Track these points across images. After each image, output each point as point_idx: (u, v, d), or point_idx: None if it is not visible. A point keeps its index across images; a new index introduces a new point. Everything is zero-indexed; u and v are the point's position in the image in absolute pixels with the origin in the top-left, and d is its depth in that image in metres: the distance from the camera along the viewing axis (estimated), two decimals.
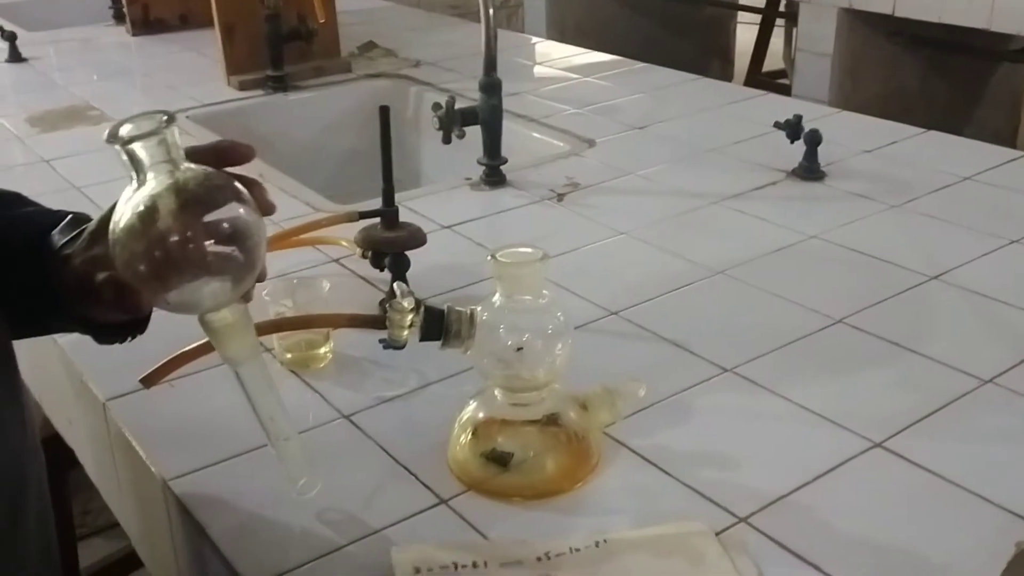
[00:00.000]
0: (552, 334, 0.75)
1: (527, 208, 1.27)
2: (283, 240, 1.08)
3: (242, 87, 1.78)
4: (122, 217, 0.62)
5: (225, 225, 0.62)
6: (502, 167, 1.33)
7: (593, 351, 0.94)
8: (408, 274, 1.01)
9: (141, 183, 0.62)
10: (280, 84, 1.77)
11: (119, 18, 2.29)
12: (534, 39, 2.24)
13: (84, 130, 1.60)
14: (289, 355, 0.92)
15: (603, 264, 1.12)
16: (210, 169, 0.64)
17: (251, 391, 0.66)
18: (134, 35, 2.19)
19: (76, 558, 1.56)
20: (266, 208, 0.66)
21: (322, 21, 1.72)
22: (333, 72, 1.85)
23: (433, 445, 0.80)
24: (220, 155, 0.67)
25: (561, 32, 3.63)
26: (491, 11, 1.26)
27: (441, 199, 1.31)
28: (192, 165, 0.63)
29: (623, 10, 3.83)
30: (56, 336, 0.96)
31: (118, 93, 1.80)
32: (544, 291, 0.76)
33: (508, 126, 1.57)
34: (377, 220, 1.01)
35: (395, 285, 0.74)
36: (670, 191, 1.31)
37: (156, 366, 0.79)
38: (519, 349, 0.74)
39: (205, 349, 0.77)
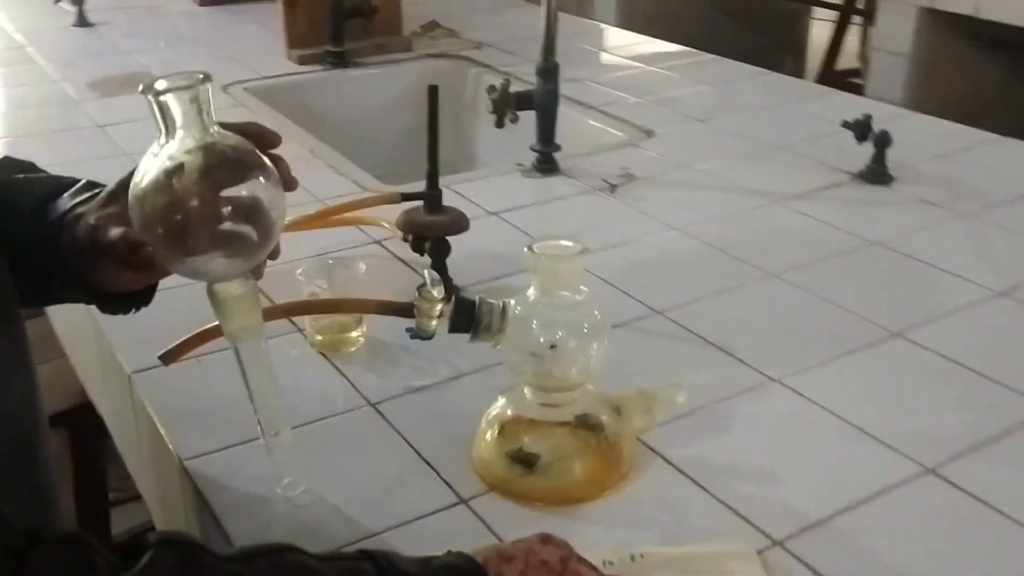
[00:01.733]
0: (588, 333, 0.71)
1: (578, 198, 1.24)
2: (324, 218, 1.06)
3: (301, 61, 1.76)
4: (147, 174, 0.61)
5: (246, 197, 0.62)
6: (555, 154, 1.30)
7: (632, 351, 0.90)
8: (448, 260, 0.98)
9: (169, 139, 0.61)
10: (339, 60, 1.75)
11: None
12: (601, 25, 2.19)
13: (141, 97, 1.59)
14: (320, 337, 0.90)
15: (652, 260, 1.08)
16: (240, 138, 0.63)
17: (249, 372, 0.65)
18: (201, 4, 2.20)
19: (108, 524, 1.57)
20: (288, 184, 0.66)
21: None
22: (393, 50, 1.83)
23: (458, 440, 0.77)
24: (248, 138, 0.65)
25: (630, 20, 3.56)
26: None
27: (490, 184, 1.28)
28: (223, 131, 0.63)
29: (694, 0, 3.75)
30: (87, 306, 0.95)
31: (179, 62, 1.80)
32: (582, 287, 0.72)
33: (565, 112, 1.53)
34: (420, 203, 0.98)
35: (425, 273, 0.71)
36: (728, 187, 1.26)
37: (176, 343, 0.78)
38: (552, 347, 0.71)
39: None
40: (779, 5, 3.81)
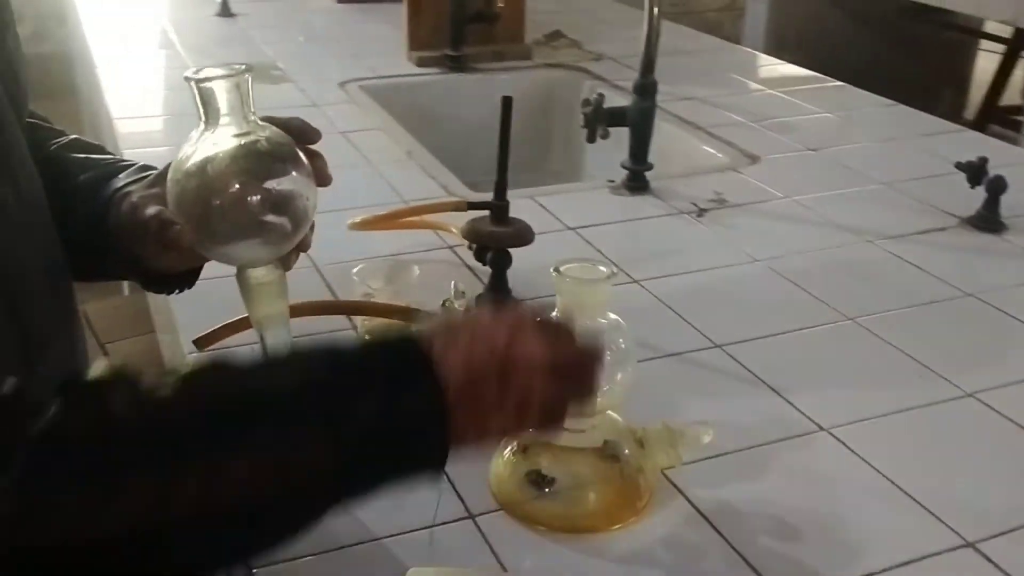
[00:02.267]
0: (610, 362, 0.69)
1: (662, 219, 1.21)
2: (392, 220, 1.07)
3: (420, 63, 1.79)
4: (184, 159, 0.64)
5: (277, 188, 0.64)
6: (648, 173, 1.27)
7: (680, 383, 0.87)
8: (509, 272, 0.97)
9: (209, 127, 0.64)
10: (457, 64, 1.77)
11: None
12: (730, 45, 2.13)
13: (260, 88, 1.65)
14: (368, 338, 0.91)
15: (723, 291, 1.05)
16: (277, 130, 0.66)
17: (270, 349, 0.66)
18: (339, 2, 2.26)
19: None
20: (322, 179, 0.68)
21: (501, 4, 1.70)
22: (512, 57, 1.84)
23: (479, 455, 0.76)
24: (290, 132, 0.67)
25: (780, 41, 3.47)
26: (656, 10, 1.20)
27: (576, 199, 1.26)
28: (262, 123, 0.65)
29: (851, 23, 3.61)
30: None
31: (304, 56, 1.86)
32: (609, 313, 0.70)
33: (670, 131, 1.51)
34: (487, 212, 0.98)
35: (452, 284, 0.71)
36: (823, 222, 1.21)
37: (211, 329, 0.80)
38: None
39: None
40: (945, 35, 3.64)
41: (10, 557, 0.47)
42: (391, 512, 0.71)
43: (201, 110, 0.64)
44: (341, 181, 1.25)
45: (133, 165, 0.75)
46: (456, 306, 0.70)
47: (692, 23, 3.69)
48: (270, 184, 0.64)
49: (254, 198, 0.63)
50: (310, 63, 1.81)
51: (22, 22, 2.49)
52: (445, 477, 0.74)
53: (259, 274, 0.66)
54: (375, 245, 1.07)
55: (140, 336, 1.46)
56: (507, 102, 0.94)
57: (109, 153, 0.80)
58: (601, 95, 1.24)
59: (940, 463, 0.78)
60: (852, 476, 0.76)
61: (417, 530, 0.70)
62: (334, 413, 0.53)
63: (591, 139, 1.24)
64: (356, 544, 0.68)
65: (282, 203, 0.64)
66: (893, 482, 0.75)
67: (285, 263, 0.68)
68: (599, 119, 1.22)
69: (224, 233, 0.64)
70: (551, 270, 0.69)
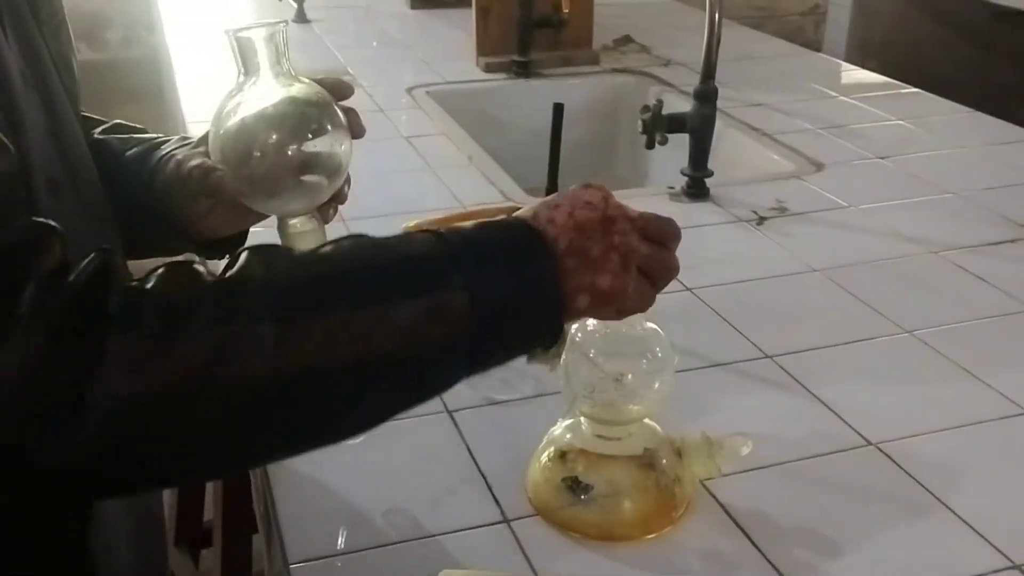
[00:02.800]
0: (647, 370, 0.69)
1: (720, 227, 1.20)
2: (445, 224, 1.08)
3: (488, 69, 1.80)
4: (223, 111, 0.68)
5: (312, 139, 0.68)
6: (708, 180, 1.26)
7: (726, 393, 0.87)
8: None
9: (248, 79, 0.68)
10: (523, 70, 1.78)
11: None
12: (802, 50, 2.10)
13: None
14: None
15: (779, 301, 1.03)
16: (313, 84, 0.70)
17: None
18: (412, 8, 2.29)
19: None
20: (356, 131, 0.72)
21: (566, 11, 1.71)
22: (580, 63, 1.84)
23: (520, 459, 0.77)
24: (323, 87, 0.72)
25: (863, 46, 3.39)
26: (717, 16, 1.19)
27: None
28: (298, 77, 0.69)
29: (940, 28, 3.50)
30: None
31: (375, 62, 1.89)
32: (647, 323, 0.70)
33: (736, 137, 1.50)
34: None
35: None
36: (888, 232, 1.18)
37: None
38: (617, 380, 0.69)
39: None
40: None
41: (199, 394, 0.49)
42: (425, 513, 0.72)
43: (239, 63, 0.68)
44: (401, 185, 1.29)
45: (175, 138, 0.80)
46: None
47: (774, 27, 3.64)
48: (306, 135, 0.68)
49: (291, 148, 0.67)
50: (380, 69, 1.84)
51: (113, 27, 2.59)
52: (483, 480, 0.75)
53: (297, 224, 0.70)
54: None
55: None
56: (558, 109, 0.95)
57: (150, 133, 0.84)
58: (660, 101, 1.23)
59: (992, 483, 0.76)
60: (898, 493, 0.74)
61: (451, 532, 0.70)
62: (469, 278, 0.56)
63: (650, 145, 1.23)
64: (390, 544, 0.70)
65: (318, 154, 0.68)
66: (941, 500, 0.73)
67: (323, 215, 0.72)
68: (658, 125, 1.21)
69: (262, 182, 0.68)
70: None
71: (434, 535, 0.71)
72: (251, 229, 0.80)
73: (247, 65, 0.68)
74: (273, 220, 0.75)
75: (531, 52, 1.78)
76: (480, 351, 0.57)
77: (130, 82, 2.81)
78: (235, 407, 0.51)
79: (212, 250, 0.80)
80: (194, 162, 0.72)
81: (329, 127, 0.68)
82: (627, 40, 1.96)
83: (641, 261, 0.62)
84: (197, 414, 0.50)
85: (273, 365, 0.51)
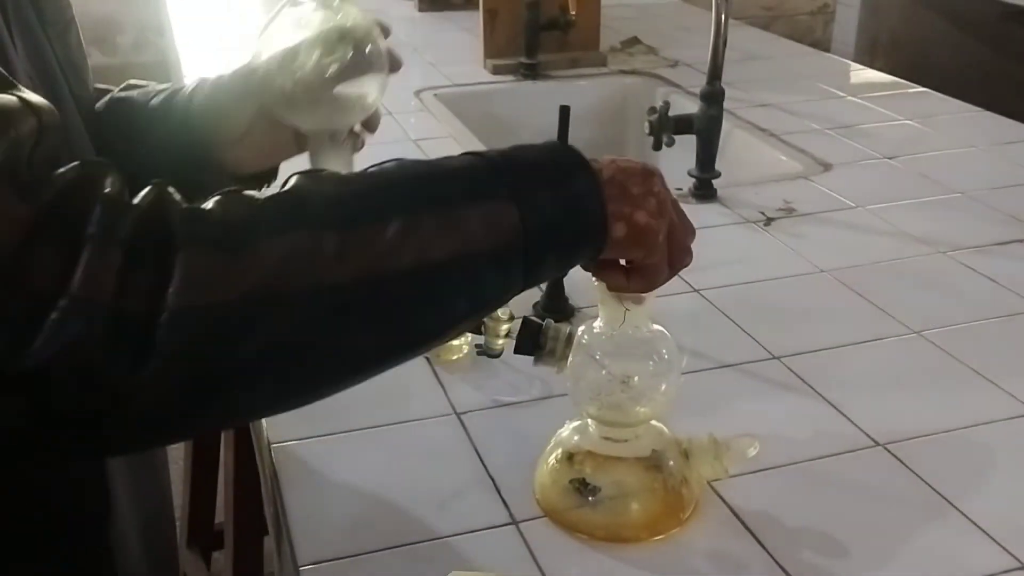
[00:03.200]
0: (653, 372, 0.70)
1: (727, 228, 1.20)
2: None
3: (495, 71, 1.81)
4: (270, 22, 0.73)
5: (355, 61, 0.72)
6: (715, 181, 1.26)
7: (734, 395, 0.87)
8: (566, 280, 0.98)
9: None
10: (531, 72, 1.78)
11: None
12: (810, 50, 2.09)
13: None
14: None
15: (786, 302, 1.03)
16: (361, 15, 0.74)
17: None
18: (420, 11, 2.30)
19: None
20: (394, 63, 0.76)
21: (573, 13, 1.71)
22: (587, 65, 1.84)
23: (527, 461, 0.77)
24: None
25: (872, 44, 3.38)
26: (723, 17, 1.19)
27: None
28: (348, 3, 0.73)
29: (949, 27, 3.49)
30: None
31: None
32: (653, 324, 0.70)
33: (743, 138, 1.50)
34: None
35: None
36: (896, 232, 1.18)
37: None
38: (623, 382, 0.70)
39: None
40: None
41: (270, 303, 0.50)
42: (434, 515, 0.73)
43: None
44: None
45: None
46: (500, 314, 0.72)
47: (783, 27, 3.64)
48: (348, 51, 0.71)
49: (334, 62, 0.70)
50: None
51: (124, 32, 2.61)
52: (492, 481, 0.76)
53: (329, 144, 0.73)
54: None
55: None
56: (564, 111, 0.95)
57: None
58: (666, 103, 1.23)
59: (1000, 484, 0.76)
60: (906, 494, 0.74)
61: (459, 534, 0.71)
62: (518, 188, 0.57)
63: (657, 147, 1.23)
64: (399, 546, 0.70)
65: (356, 73, 0.72)
66: (948, 500, 0.73)
67: (354, 143, 0.75)
68: (664, 127, 1.21)
69: (304, 89, 0.71)
70: (593, 279, 0.69)
71: (443, 537, 0.71)
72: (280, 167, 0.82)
73: None
74: (302, 160, 0.77)
75: (538, 54, 1.78)
76: (532, 258, 0.58)
77: None
78: (305, 315, 0.51)
79: (246, 183, 0.81)
80: (241, 68, 0.75)
81: (369, 51, 0.72)
82: (634, 42, 1.96)
83: (671, 223, 0.64)
84: (269, 324, 0.50)
85: (339, 271, 0.51)
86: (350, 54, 0.71)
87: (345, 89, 0.72)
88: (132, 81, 0.85)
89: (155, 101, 0.80)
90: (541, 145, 0.63)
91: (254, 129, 0.77)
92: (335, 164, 0.73)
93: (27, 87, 0.60)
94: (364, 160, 0.76)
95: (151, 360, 0.47)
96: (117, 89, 0.83)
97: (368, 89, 0.73)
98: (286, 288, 0.50)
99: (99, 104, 0.81)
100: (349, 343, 0.54)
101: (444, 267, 0.55)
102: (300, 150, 0.78)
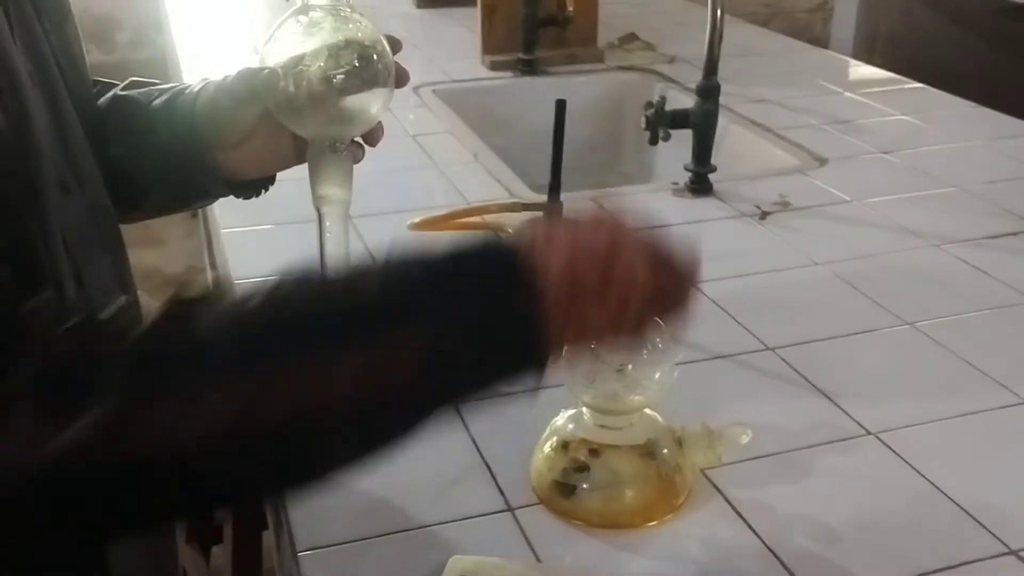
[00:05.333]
0: (648, 361, 0.70)
1: (723, 222, 1.21)
2: (450, 220, 1.10)
3: (493, 67, 1.81)
4: (279, 26, 0.72)
5: (360, 73, 0.72)
6: (712, 176, 1.27)
7: (728, 385, 0.88)
8: None
9: (308, 2, 0.72)
10: (529, 68, 1.79)
11: None
12: (807, 46, 2.10)
13: None
14: None
15: (781, 294, 1.04)
16: (371, 27, 0.73)
17: (326, 241, 0.73)
18: (418, 7, 2.30)
19: None
20: (400, 78, 0.76)
21: (571, 9, 1.72)
22: (585, 61, 1.85)
23: (523, 449, 0.78)
24: None
25: (870, 41, 3.38)
26: (719, 12, 1.20)
27: (637, 201, 1.25)
28: (358, 15, 0.73)
29: (946, 23, 3.49)
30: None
31: None
32: None
33: (739, 133, 1.50)
34: (542, 213, 1.00)
35: None
36: (889, 225, 1.19)
37: None
38: (618, 370, 0.71)
39: None
40: None
41: (106, 469, 0.49)
42: (431, 502, 0.74)
43: None
44: (408, 183, 1.30)
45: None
46: None
47: (781, 24, 3.64)
48: (354, 61, 0.71)
49: (339, 73, 0.70)
50: None
51: (122, 29, 2.62)
52: (488, 469, 0.77)
53: (328, 152, 0.72)
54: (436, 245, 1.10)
55: None
56: (560, 105, 0.96)
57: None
58: (663, 98, 1.24)
59: (989, 471, 0.77)
60: (896, 481, 0.75)
61: (456, 521, 0.72)
62: (433, 314, 0.52)
63: (653, 141, 1.24)
64: (397, 532, 0.71)
65: (360, 84, 0.71)
66: (940, 489, 0.74)
67: (354, 154, 0.74)
68: (661, 121, 1.22)
69: (307, 94, 0.71)
70: None
71: (440, 523, 0.72)
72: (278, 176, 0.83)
73: None
74: (297, 172, 0.78)
75: (536, 50, 1.78)
76: (447, 387, 0.54)
77: None
78: (196, 469, 0.50)
79: (244, 190, 0.82)
80: (242, 70, 0.75)
81: (375, 64, 0.71)
82: (632, 38, 1.97)
83: (652, 290, 0.57)
84: (96, 487, 0.49)
85: (181, 436, 0.49)
86: (356, 64, 0.71)
87: (349, 100, 0.71)
88: (135, 79, 0.85)
89: (158, 102, 0.80)
90: (480, 251, 0.55)
91: (255, 134, 0.77)
92: (334, 173, 0.73)
93: (25, 83, 0.61)
94: (362, 168, 0.78)
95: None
96: (120, 87, 0.83)
97: (372, 102, 0.73)
98: (111, 454, 0.49)
99: (101, 100, 0.82)
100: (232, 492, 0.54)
101: (335, 414, 0.51)
102: (299, 160, 0.78)
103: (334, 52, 0.70)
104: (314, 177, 0.73)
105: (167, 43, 2.43)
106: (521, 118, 1.74)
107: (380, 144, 0.79)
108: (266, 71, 0.72)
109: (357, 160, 0.76)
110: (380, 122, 0.76)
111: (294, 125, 0.74)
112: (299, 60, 0.71)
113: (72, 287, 0.63)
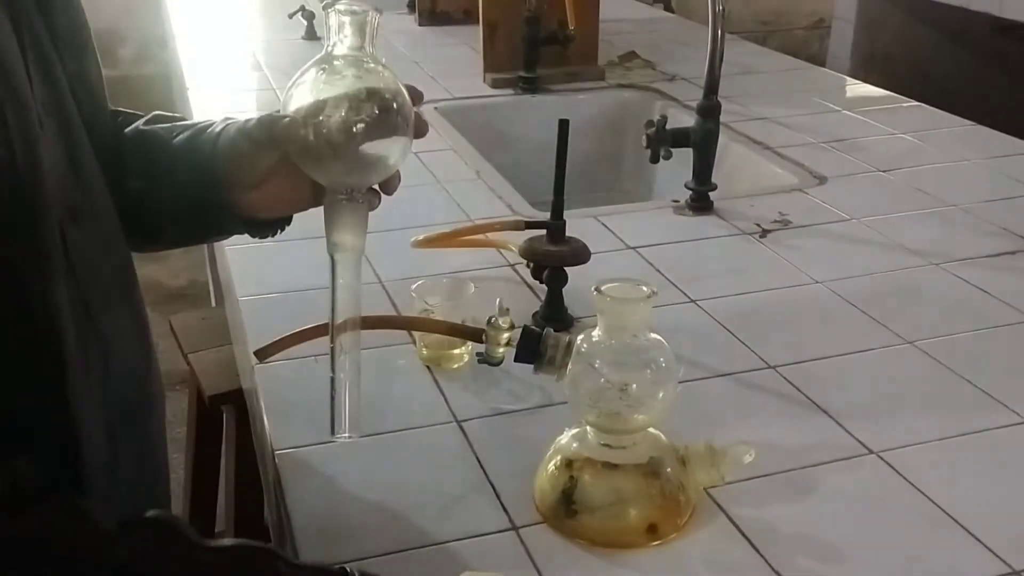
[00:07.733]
0: (651, 380, 0.71)
1: (723, 240, 1.21)
2: (454, 238, 1.10)
3: (495, 85, 1.83)
4: (303, 73, 0.72)
5: (380, 123, 0.71)
6: (712, 194, 1.28)
7: (729, 403, 0.88)
8: (564, 290, 0.99)
9: (331, 52, 0.72)
10: (530, 86, 1.80)
11: (412, 7, 2.43)
12: (805, 64, 2.11)
13: None
14: (426, 351, 0.94)
15: (781, 312, 1.05)
16: (392, 78, 0.72)
17: (338, 287, 0.71)
18: (420, 25, 2.32)
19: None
20: (419, 129, 0.74)
21: (572, 28, 1.73)
22: (586, 79, 1.86)
23: (527, 468, 0.78)
24: None
25: (868, 59, 3.40)
26: (720, 32, 1.21)
27: (638, 218, 1.28)
28: (380, 66, 0.72)
29: (943, 42, 3.52)
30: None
31: None
32: (650, 333, 0.72)
33: (739, 151, 1.51)
34: (544, 231, 1.00)
35: (497, 301, 0.73)
36: (888, 244, 1.20)
37: (272, 341, 0.84)
38: (622, 389, 0.71)
39: (320, 331, 0.81)
40: None
41: None
42: (435, 520, 0.74)
43: (328, 36, 0.72)
44: (410, 200, 1.31)
45: (221, 118, 0.82)
46: (501, 323, 0.73)
47: (779, 41, 3.66)
48: (374, 112, 0.70)
49: (359, 123, 0.70)
50: None
51: (126, 44, 2.62)
52: (492, 488, 0.77)
53: (345, 200, 0.72)
54: (438, 262, 1.11)
55: (220, 347, 1.52)
56: (563, 125, 0.97)
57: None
58: (664, 116, 1.25)
59: (992, 490, 0.77)
60: (899, 501, 0.76)
61: (460, 540, 0.72)
62: None
63: (654, 160, 1.25)
64: (401, 551, 0.71)
65: (380, 134, 0.71)
66: (941, 508, 0.75)
67: (370, 201, 0.74)
68: (661, 140, 1.23)
69: (326, 143, 0.70)
70: (592, 289, 0.71)
71: (444, 542, 0.72)
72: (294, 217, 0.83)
73: (335, 40, 0.72)
74: (313, 214, 0.78)
75: (537, 68, 1.80)
76: None
77: (143, 99, 2.84)
78: None
79: (261, 229, 0.83)
80: (260, 116, 0.75)
81: (395, 114, 0.71)
82: (632, 56, 1.98)
83: None
84: None
85: None
86: (376, 114, 0.71)
87: (368, 148, 0.71)
88: (159, 113, 0.85)
89: (179, 139, 0.80)
90: None
91: (274, 177, 0.77)
92: (349, 221, 0.72)
93: (39, 115, 0.61)
94: (377, 213, 0.78)
95: None
96: (142, 120, 0.83)
97: (391, 151, 0.72)
98: None
99: (126, 131, 0.82)
100: None
101: None
102: (317, 203, 0.77)
103: (355, 102, 0.70)
104: (329, 224, 0.73)
105: (172, 58, 2.44)
106: (522, 135, 1.75)
107: None
108: (287, 119, 0.71)
109: (373, 208, 0.75)
110: (398, 171, 0.75)
111: (312, 172, 0.73)
112: (320, 108, 0.70)
113: (82, 320, 0.63)
